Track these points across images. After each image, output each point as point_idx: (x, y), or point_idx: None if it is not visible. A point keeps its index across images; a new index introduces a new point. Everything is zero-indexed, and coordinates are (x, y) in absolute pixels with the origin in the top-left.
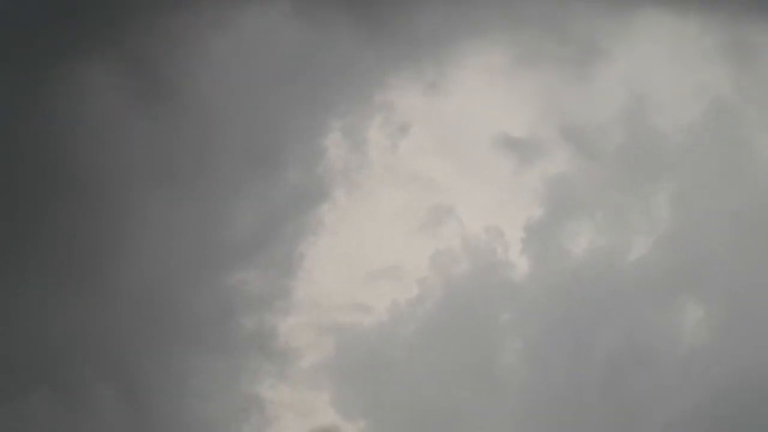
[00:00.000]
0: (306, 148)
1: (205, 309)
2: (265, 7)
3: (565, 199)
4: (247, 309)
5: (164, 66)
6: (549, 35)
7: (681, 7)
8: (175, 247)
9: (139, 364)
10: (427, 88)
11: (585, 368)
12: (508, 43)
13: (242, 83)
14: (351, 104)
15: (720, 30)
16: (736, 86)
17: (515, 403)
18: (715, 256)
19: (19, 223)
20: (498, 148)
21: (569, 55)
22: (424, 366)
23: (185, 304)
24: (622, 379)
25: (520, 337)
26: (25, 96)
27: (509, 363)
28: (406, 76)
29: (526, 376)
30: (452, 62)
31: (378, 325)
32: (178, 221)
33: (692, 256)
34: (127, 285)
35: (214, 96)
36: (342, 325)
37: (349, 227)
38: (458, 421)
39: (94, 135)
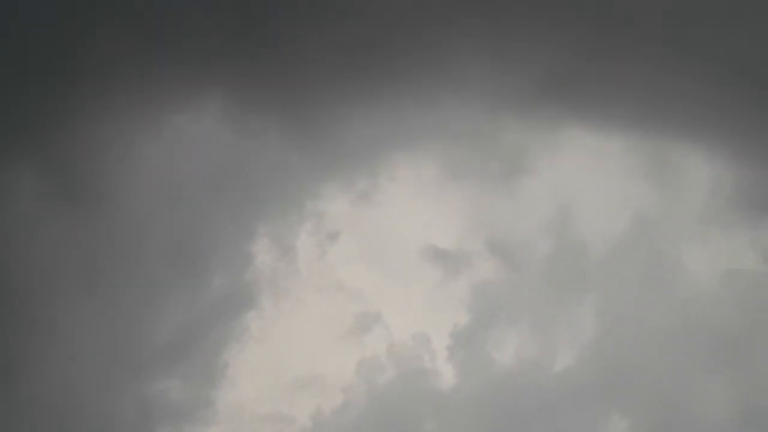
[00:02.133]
0: (233, 254)
1: (123, 418)
2: (195, 112)
3: (491, 308)
4: (167, 419)
5: (89, 170)
6: (477, 150)
7: (604, 127)
8: (94, 355)
9: None
10: (357, 197)
11: None
12: (437, 157)
13: (170, 188)
14: (280, 211)
15: (641, 149)
16: (657, 202)
17: None
18: (640, 368)
19: None
20: (425, 258)
21: (496, 170)
22: None
23: (103, 413)
24: None
25: None
26: None
27: None
28: (337, 185)
29: None
30: (382, 173)
31: None
32: (99, 327)
33: (617, 367)
34: (42, 392)
35: (140, 201)
36: None
37: (275, 335)
38: None
39: (11, 239)
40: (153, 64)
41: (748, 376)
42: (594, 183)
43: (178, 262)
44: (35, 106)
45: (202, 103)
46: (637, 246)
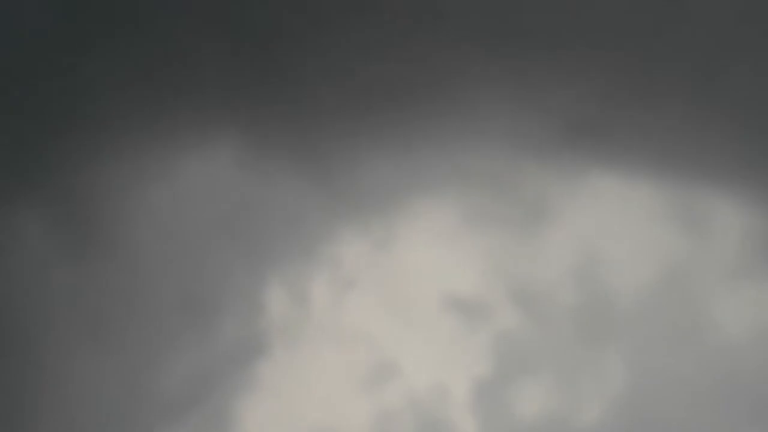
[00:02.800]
0: (245, 301)
1: None
2: (207, 157)
3: (513, 359)
4: None
5: (98, 213)
6: (499, 195)
7: (629, 173)
8: (102, 403)
9: None
10: (374, 244)
11: None
12: (457, 202)
13: (180, 234)
14: (294, 258)
15: (668, 196)
16: (686, 251)
17: None
18: (668, 423)
19: None
20: (445, 307)
21: (518, 217)
22: None
23: None
24: None
25: None
26: None
27: None
28: (353, 232)
29: None
30: (401, 219)
31: None
32: (105, 378)
33: (645, 422)
34: None
35: (149, 246)
36: None
37: (288, 385)
38: None
39: (19, 283)
40: (162, 107)
41: None
42: (620, 231)
43: (188, 310)
44: (41, 151)
45: (213, 147)
46: (665, 296)
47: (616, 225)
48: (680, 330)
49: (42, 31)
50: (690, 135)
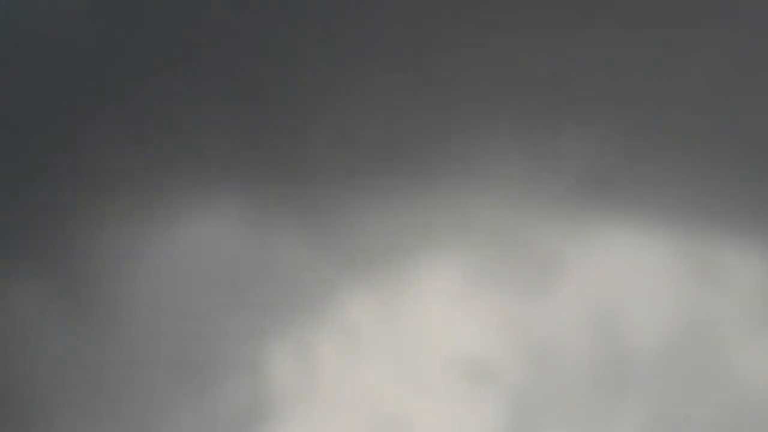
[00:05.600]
0: (249, 364)
1: None
2: (208, 217)
3: (526, 420)
4: None
5: (97, 276)
6: (508, 250)
7: (646, 225)
8: None
9: None
10: (380, 302)
11: None
12: (465, 258)
13: (182, 296)
14: (298, 318)
15: (687, 248)
16: (704, 302)
17: None
18: None
19: None
20: (456, 366)
21: (529, 271)
22: None
23: None
24: None
25: None
26: None
27: None
28: (359, 291)
29: None
30: (407, 277)
31: None
32: None
33: None
34: None
35: (150, 309)
36: None
37: None
38: None
39: (15, 346)
40: (163, 168)
41: None
42: (634, 284)
43: (189, 375)
44: (40, 211)
45: (215, 207)
46: (683, 350)
47: (630, 278)
48: (699, 384)
49: (41, 93)
50: (705, 185)
